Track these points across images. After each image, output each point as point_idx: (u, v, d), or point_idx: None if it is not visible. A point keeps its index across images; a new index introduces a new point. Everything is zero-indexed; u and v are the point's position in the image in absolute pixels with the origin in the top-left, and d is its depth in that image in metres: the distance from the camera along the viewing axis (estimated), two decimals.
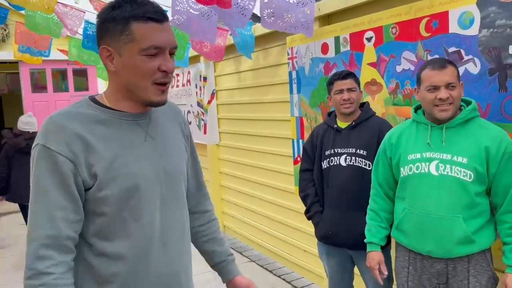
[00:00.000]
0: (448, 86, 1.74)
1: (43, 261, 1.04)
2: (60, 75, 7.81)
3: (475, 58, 2.05)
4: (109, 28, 1.11)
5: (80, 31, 4.36)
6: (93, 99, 1.18)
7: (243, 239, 4.70)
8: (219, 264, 1.46)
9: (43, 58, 5.48)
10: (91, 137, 1.10)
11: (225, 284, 1.49)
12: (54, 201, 1.06)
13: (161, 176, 1.20)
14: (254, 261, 4.19)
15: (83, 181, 1.09)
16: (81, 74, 7.75)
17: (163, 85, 1.14)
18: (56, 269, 1.04)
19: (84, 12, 3.99)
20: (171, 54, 1.14)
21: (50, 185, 1.06)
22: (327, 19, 3.11)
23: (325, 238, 2.40)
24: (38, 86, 7.64)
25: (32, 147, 1.11)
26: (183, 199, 1.30)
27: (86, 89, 7.78)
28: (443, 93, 1.73)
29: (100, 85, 7.58)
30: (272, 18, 2.87)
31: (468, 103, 1.83)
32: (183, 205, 1.30)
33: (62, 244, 1.06)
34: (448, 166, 1.74)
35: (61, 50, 5.42)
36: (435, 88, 1.75)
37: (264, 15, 2.86)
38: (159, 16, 1.10)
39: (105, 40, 1.12)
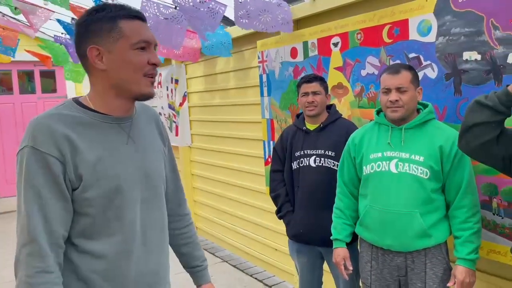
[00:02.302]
0: (399, 89, 1.86)
1: (44, 258, 1.09)
2: (27, 77, 7.61)
3: (433, 64, 2.18)
4: (95, 29, 1.16)
5: (50, 32, 4.32)
6: (77, 101, 1.22)
7: (215, 239, 4.75)
8: (195, 268, 1.51)
9: (11, 58, 5.35)
10: (77, 138, 1.14)
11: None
12: (48, 201, 1.10)
13: (141, 178, 1.25)
14: (226, 261, 4.24)
15: (70, 182, 1.13)
16: (48, 75, 7.58)
17: (152, 77, 1.21)
18: (55, 268, 1.10)
19: (53, 12, 3.94)
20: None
21: (43, 185, 1.10)
22: (297, 24, 3.20)
23: (296, 236, 2.48)
24: (4, 88, 7.43)
25: (19, 149, 1.13)
26: (162, 200, 1.35)
27: (54, 91, 7.62)
28: (393, 96, 1.86)
29: (69, 87, 7.44)
30: (247, 20, 2.93)
31: (425, 106, 1.96)
32: (162, 206, 1.35)
33: (57, 242, 1.12)
34: (406, 164, 1.86)
35: (28, 51, 5.31)
36: (388, 90, 1.88)
37: (239, 15, 2.92)
38: (141, 15, 1.20)
39: (92, 40, 1.17)
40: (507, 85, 1.48)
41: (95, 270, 1.18)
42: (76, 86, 7.33)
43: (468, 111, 1.55)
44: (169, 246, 1.44)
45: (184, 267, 1.55)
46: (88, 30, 1.17)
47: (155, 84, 5.34)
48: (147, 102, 1.33)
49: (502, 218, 1.94)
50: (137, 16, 1.19)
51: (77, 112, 1.18)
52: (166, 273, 1.36)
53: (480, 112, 1.50)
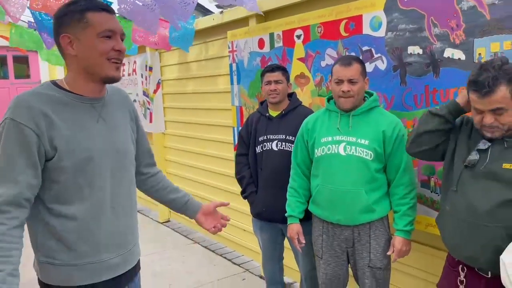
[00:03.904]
0: (350, 81, 2.05)
1: (1, 213, 1.25)
2: None
3: (383, 56, 2.39)
4: (67, 20, 1.35)
5: (23, 17, 4.34)
6: (54, 83, 1.39)
7: (187, 222, 4.92)
8: (185, 204, 1.74)
9: None
10: (54, 115, 1.32)
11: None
12: (19, 167, 1.27)
13: (111, 152, 1.43)
14: (198, 243, 4.43)
15: (45, 152, 1.31)
16: (22, 61, 7.54)
17: (116, 63, 1.38)
18: (9, 222, 1.25)
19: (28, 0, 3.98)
20: (121, 39, 1.41)
21: (17, 153, 1.27)
22: (264, 16, 3.37)
23: (259, 214, 2.68)
24: None
25: (1, 121, 1.30)
26: (131, 172, 1.55)
27: (28, 76, 7.59)
28: (345, 87, 2.05)
29: (43, 73, 7.42)
30: None
31: (370, 94, 2.17)
32: (131, 177, 1.55)
33: (20, 202, 1.28)
34: (353, 147, 2.07)
35: (2, 36, 5.30)
36: (340, 81, 2.07)
37: None
38: (108, 8, 1.38)
39: (65, 29, 1.35)
40: (455, 98, 1.72)
41: (69, 230, 1.36)
42: (50, 72, 7.32)
43: (421, 120, 1.79)
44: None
45: (176, 210, 1.76)
46: (61, 21, 1.36)
47: (130, 71, 5.44)
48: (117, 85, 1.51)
49: (438, 195, 2.18)
50: (104, 8, 1.37)
51: (54, 92, 1.36)
52: (134, 235, 1.56)
53: (431, 121, 1.74)
